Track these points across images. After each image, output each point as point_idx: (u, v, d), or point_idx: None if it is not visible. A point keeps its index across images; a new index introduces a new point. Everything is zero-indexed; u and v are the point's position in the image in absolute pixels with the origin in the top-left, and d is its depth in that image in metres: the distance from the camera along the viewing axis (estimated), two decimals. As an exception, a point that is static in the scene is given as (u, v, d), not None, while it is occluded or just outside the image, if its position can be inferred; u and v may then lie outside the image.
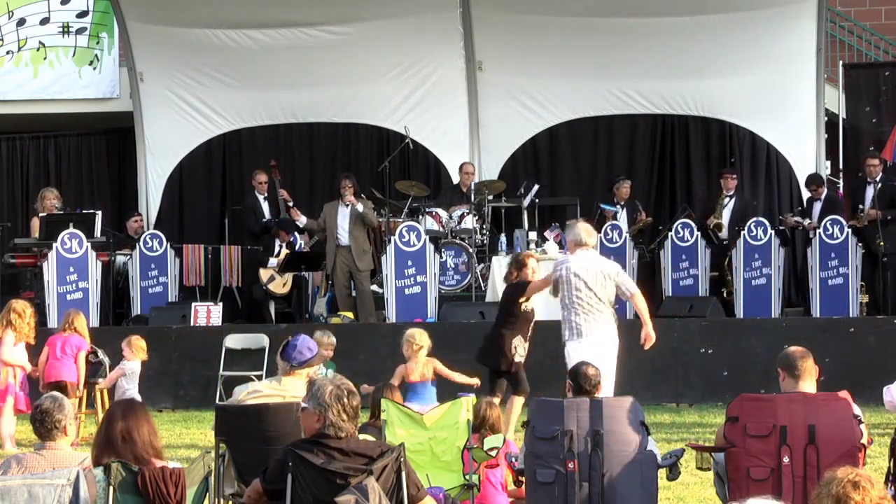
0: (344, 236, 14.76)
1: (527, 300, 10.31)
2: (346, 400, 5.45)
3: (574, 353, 9.40)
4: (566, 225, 10.28)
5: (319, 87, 16.73)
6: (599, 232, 15.14)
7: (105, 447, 5.49)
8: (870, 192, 14.74)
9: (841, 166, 16.16)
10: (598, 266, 9.79)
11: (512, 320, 10.34)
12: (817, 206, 15.01)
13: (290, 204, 16.16)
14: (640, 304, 9.84)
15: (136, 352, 11.59)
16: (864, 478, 4.03)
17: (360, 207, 14.68)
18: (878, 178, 14.72)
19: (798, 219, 15.08)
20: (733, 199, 15.35)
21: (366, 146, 17.15)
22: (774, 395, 6.41)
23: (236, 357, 13.35)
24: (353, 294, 14.91)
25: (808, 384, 6.42)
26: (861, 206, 14.75)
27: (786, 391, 6.42)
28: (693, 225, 15.08)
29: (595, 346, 9.45)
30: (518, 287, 10.35)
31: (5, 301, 13.34)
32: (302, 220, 15.40)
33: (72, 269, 14.12)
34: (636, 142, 16.77)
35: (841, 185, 16.16)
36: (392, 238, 14.37)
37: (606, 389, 8.88)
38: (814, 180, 15.16)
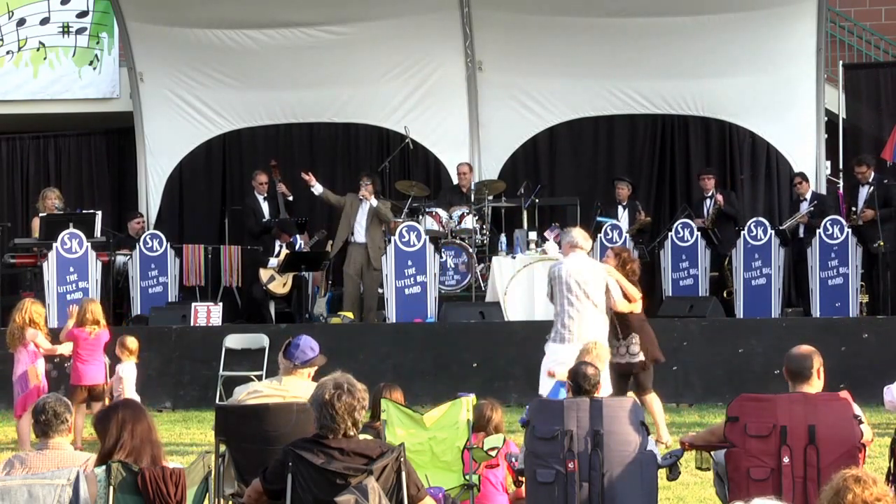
0: (360, 233, 14.78)
1: None
2: (346, 399, 5.44)
3: (553, 354, 9.54)
4: (563, 231, 10.37)
5: (319, 87, 16.73)
6: (599, 232, 15.19)
7: (114, 446, 5.48)
8: (862, 193, 14.76)
9: (841, 166, 16.15)
10: (590, 267, 9.90)
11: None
12: (804, 207, 15.03)
13: (290, 198, 16.17)
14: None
15: (127, 352, 11.52)
16: (869, 476, 4.12)
17: (373, 202, 14.71)
18: (870, 180, 14.72)
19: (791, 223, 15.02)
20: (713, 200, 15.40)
21: (366, 146, 17.16)
22: (774, 395, 6.41)
23: (236, 357, 13.35)
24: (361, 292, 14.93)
25: (814, 384, 6.41)
26: (854, 209, 14.77)
27: (792, 391, 6.41)
28: (693, 225, 15.10)
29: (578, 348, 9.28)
30: None
31: (5, 301, 13.34)
32: (318, 187, 15.25)
33: (72, 269, 14.12)
34: (636, 142, 16.78)
35: (841, 185, 16.17)
36: (392, 238, 14.38)
37: (603, 391, 8.91)
38: (798, 174, 15.22)
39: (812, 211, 14.79)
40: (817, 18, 15.57)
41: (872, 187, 14.53)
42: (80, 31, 17.71)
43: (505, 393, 12.53)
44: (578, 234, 10.03)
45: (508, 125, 16.67)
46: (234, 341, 13.38)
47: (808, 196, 15.12)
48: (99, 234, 14.81)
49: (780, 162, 16.24)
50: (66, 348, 11.23)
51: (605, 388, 9.10)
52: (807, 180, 15.21)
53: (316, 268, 15.32)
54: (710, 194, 15.50)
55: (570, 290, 9.72)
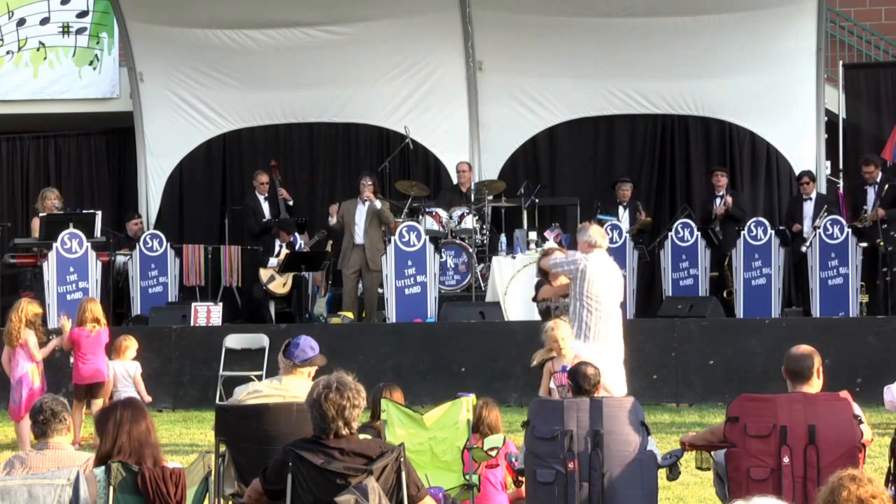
0: (360, 234, 14.77)
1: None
2: (334, 397, 5.43)
3: (578, 351, 9.40)
4: (579, 227, 10.18)
5: (319, 87, 16.74)
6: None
7: (111, 447, 5.49)
8: (871, 193, 14.74)
9: (841, 166, 16.16)
10: (614, 269, 9.75)
11: None
12: (808, 206, 15.01)
13: (290, 203, 16.18)
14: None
15: (115, 352, 11.49)
16: (864, 475, 4.15)
17: (378, 204, 14.70)
18: (878, 180, 14.71)
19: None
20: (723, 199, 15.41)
21: (366, 146, 17.16)
22: (774, 395, 6.41)
23: (236, 357, 13.34)
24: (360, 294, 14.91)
25: (814, 384, 6.41)
26: (865, 208, 14.74)
27: (791, 391, 6.41)
28: (693, 225, 15.09)
29: (602, 348, 9.34)
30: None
31: (5, 301, 13.32)
32: (332, 219, 15.35)
33: (72, 269, 14.12)
34: (636, 142, 16.78)
35: (841, 185, 16.16)
36: (392, 238, 14.38)
37: (619, 391, 8.91)
38: (805, 174, 15.19)
39: (825, 216, 14.72)
40: (817, 18, 15.58)
41: (886, 186, 14.50)
42: (80, 31, 17.72)
43: (505, 393, 12.53)
44: (596, 232, 9.73)
45: (508, 125, 16.67)
46: (234, 341, 13.38)
47: (813, 196, 15.09)
48: (99, 234, 14.81)
49: (780, 162, 16.24)
50: (51, 346, 11.20)
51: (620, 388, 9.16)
52: (814, 180, 15.19)
53: (316, 268, 15.33)
54: (721, 193, 15.47)
55: (593, 290, 9.45)
